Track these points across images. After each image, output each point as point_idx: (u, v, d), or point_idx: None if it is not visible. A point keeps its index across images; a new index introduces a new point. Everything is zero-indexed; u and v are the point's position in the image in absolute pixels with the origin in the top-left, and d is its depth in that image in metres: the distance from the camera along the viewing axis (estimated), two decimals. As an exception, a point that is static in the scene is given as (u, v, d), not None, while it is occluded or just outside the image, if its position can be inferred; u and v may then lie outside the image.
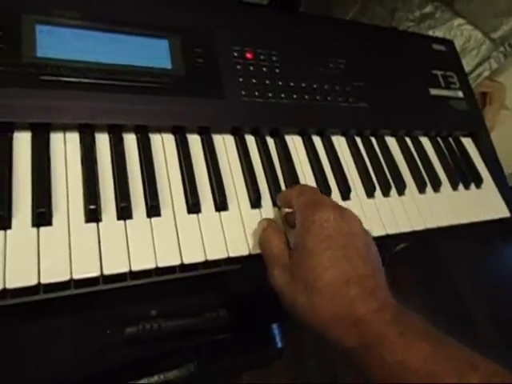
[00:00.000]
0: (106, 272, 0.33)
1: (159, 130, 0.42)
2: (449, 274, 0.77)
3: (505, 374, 0.24)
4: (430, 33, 0.80)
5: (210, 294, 0.46)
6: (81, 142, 0.38)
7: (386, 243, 0.48)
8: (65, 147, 0.37)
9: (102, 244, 0.34)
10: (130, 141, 0.40)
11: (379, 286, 0.30)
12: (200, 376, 0.45)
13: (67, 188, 0.35)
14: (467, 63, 0.76)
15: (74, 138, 0.38)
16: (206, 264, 0.38)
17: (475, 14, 0.79)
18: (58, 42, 0.39)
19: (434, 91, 0.62)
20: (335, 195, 0.47)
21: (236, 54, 0.48)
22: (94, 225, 0.35)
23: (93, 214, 0.34)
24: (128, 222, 0.36)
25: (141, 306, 0.43)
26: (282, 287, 0.33)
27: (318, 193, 0.37)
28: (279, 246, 0.35)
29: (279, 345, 0.53)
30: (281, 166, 0.47)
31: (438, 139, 0.60)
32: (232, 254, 0.38)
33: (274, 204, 0.43)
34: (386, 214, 0.48)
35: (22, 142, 0.36)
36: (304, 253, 0.32)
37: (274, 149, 0.47)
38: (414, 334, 0.27)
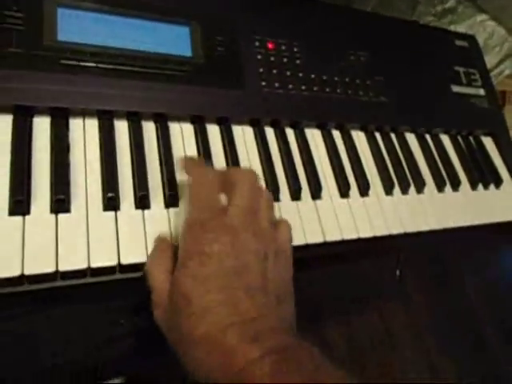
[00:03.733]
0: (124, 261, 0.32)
1: (178, 119, 0.41)
2: (459, 284, 0.76)
3: None
4: (452, 28, 0.78)
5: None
6: (99, 129, 0.37)
7: (404, 242, 0.47)
8: (84, 133, 0.37)
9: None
10: (149, 129, 0.40)
11: (268, 327, 0.26)
12: None
13: (86, 175, 0.35)
14: (489, 61, 0.74)
15: (93, 124, 0.37)
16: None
17: (499, 10, 0.76)
18: (78, 26, 0.39)
19: (455, 88, 0.61)
20: (354, 191, 0.46)
21: (257, 44, 0.46)
22: (112, 213, 0.34)
23: (111, 202, 0.34)
24: (146, 212, 0.35)
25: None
26: (164, 331, 0.28)
27: (210, 209, 0.31)
28: (160, 279, 0.30)
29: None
30: (301, 160, 0.46)
31: (458, 138, 0.59)
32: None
33: (292, 198, 0.42)
34: (404, 212, 0.47)
35: (42, 127, 0.35)
36: (179, 298, 0.27)
37: (294, 142, 0.47)
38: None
